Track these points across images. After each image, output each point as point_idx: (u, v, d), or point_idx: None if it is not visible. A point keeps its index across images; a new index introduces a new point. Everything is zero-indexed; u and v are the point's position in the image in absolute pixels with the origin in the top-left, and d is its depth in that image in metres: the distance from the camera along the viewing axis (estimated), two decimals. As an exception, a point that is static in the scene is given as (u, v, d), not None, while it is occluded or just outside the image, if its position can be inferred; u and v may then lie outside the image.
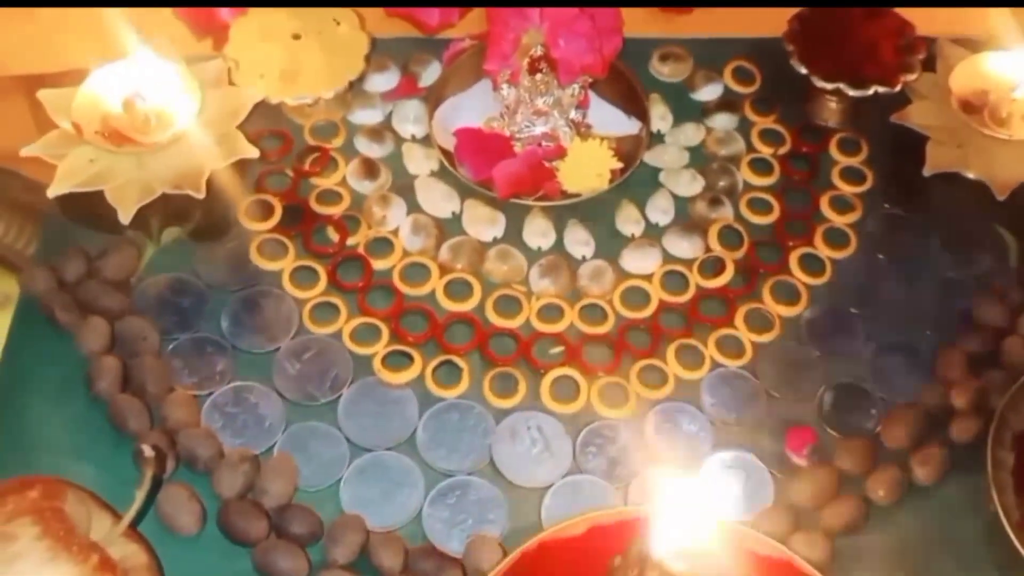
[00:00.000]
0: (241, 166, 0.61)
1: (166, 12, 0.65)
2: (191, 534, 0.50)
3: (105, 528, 0.43)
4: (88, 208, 0.59)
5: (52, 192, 0.56)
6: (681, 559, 0.44)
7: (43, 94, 0.59)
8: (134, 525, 0.45)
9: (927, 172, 0.61)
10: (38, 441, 0.53)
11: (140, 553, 0.44)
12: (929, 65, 0.65)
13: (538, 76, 0.60)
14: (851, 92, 0.64)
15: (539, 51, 0.60)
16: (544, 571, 0.49)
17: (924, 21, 0.67)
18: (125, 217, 0.56)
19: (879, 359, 0.58)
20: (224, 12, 0.63)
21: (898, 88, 0.64)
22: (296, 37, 0.64)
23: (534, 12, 0.63)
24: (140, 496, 0.44)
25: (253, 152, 0.59)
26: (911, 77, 0.64)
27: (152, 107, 0.58)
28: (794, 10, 0.67)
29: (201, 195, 0.57)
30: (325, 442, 0.54)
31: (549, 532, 0.50)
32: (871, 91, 0.63)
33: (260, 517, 0.50)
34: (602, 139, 0.62)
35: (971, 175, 0.61)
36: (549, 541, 0.50)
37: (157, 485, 0.47)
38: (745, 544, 0.48)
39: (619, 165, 0.62)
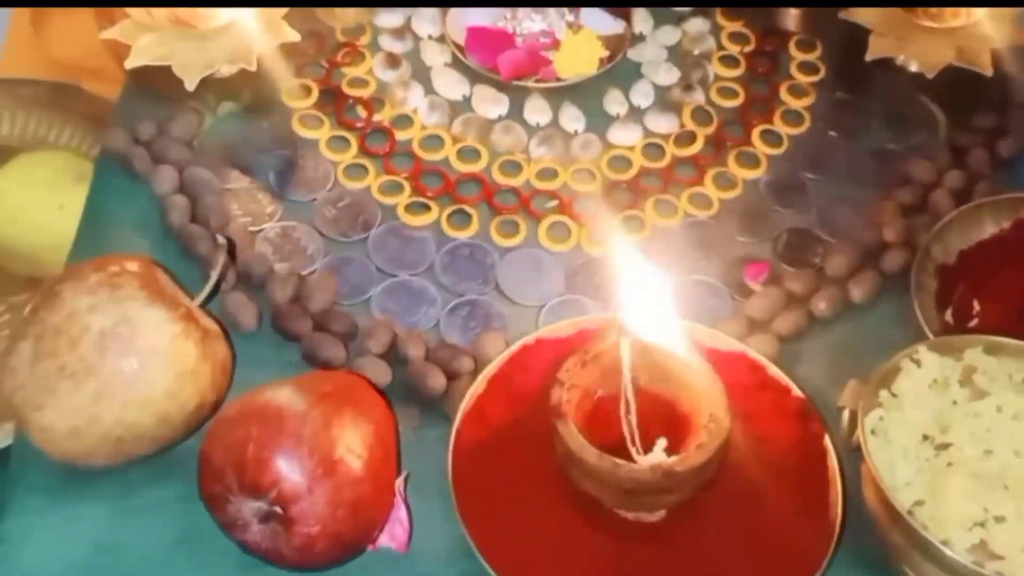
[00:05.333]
0: (283, 58, 0.72)
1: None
2: (251, 330, 0.60)
3: (187, 301, 0.53)
4: (155, 86, 0.69)
5: (129, 64, 0.67)
6: (654, 336, 0.55)
7: (118, -11, 0.70)
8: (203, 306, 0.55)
9: (868, 58, 0.71)
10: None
11: (215, 324, 0.54)
12: (874, -27, 0.76)
13: (537, -26, 0.71)
14: (806, -7, 0.74)
15: (537, -48, 0.71)
16: (539, 360, 0.59)
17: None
18: (190, 85, 0.66)
19: (826, 210, 0.68)
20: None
21: (846, -10, 0.75)
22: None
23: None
24: (214, 276, 0.54)
25: (295, 36, 0.69)
26: (856, -20, 0.75)
27: (211, -2, 0.69)
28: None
29: (253, 68, 0.67)
30: (357, 268, 0.64)
31: (544, 331, 0.61)
32: (822, -8, 0.74)
33: (306, 318, 0.60)
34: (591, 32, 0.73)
35: (906, 59, 0.71)
36: (544, 338, 0.60)
37: (223, 276, 0.57)
38: (705, 340, 0.59)
39: (606, 53, 0.73)
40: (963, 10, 0.71)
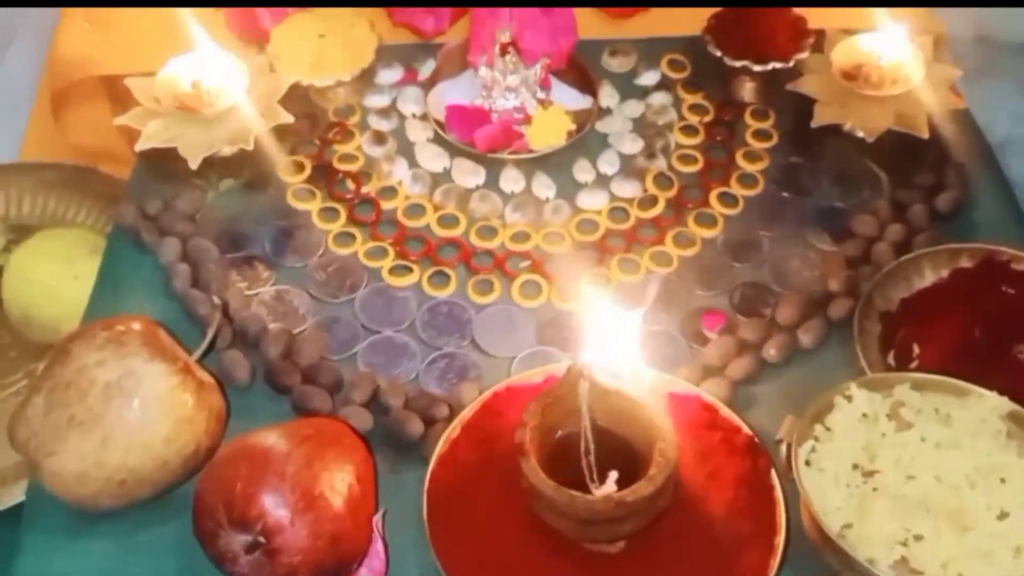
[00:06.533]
0: (279, 138, 0.79)
1: (220, 22, 0.83)
2: (245, 384, 0.66)
3: (185, 356, 0.59)
4: (163, 166, 0.76)
5: (139, 147, 0.74)
6: (611, 380, 0.60)
7: (130, 81, 0.77)
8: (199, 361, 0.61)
9: (814, 124, 0.78)
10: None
11: (210, 378, 0.60)
12: (818, 49, 0.82)
13: (507, 56, 0.78)
14: (756, 67, 0.81)
15: (507, 37, 0.78)
16: (510, 406, 0.64)
17: (819, 17, 0.85)
18: (194, 164, 0.73)
19: (778, 264, 0.74)
20: (266, 20, 0.82)
21: (792, 64, 0.81)
22: (321, 36, 0.82)
23: (506, 12, 0.81)
24: (210, 333, 0.60)
25: (288, 118, 0.76)
26: (802, 56, 0.81)
27: (213, 87, 0.76)
28: (714, 9, 0.85)
29: (250, 148, 0.74)
30: (345, 326, 0.70)
31: (515, 379, 0.66)
32: (770, 67, 0.81)
33: (296, 372, 0.66)
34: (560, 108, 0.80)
35: (849, 125, 0.77)
36: (515, 385, 0.66)
37: (219, 333, 0.63)
38: (663, 385, 0.64)
39: (574, 127, 0.80)
40: (900, 78, 0.78)
